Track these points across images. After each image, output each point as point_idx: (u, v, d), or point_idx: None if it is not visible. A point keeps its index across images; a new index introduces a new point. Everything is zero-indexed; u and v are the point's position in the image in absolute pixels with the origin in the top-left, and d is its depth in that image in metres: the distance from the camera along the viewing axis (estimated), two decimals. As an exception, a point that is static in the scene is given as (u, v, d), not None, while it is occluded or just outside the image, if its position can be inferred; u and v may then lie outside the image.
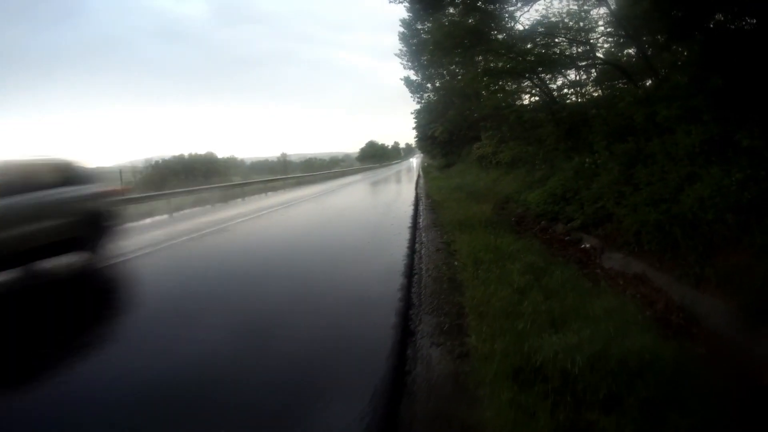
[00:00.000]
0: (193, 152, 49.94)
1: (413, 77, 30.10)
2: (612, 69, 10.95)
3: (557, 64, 11.51)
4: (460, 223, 8.05)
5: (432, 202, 12.49)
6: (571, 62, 11.58)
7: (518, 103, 15.95)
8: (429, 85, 29.68)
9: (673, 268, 4.39)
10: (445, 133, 32.17)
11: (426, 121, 34.99)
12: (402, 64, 29.60)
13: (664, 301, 3.99)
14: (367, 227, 9.84)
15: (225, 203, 17.01)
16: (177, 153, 50.56)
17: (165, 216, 13.32)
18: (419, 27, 28.04)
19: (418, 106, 35.98)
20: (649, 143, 6.72)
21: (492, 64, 12.60)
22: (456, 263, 5.65)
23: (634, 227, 5.41)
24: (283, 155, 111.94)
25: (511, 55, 11.91)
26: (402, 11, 28.37)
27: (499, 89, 12.91)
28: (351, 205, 15.20)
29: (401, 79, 30.31)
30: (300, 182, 32.71)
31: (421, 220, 10.09)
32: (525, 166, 13.35)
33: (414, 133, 46.10)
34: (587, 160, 8.96)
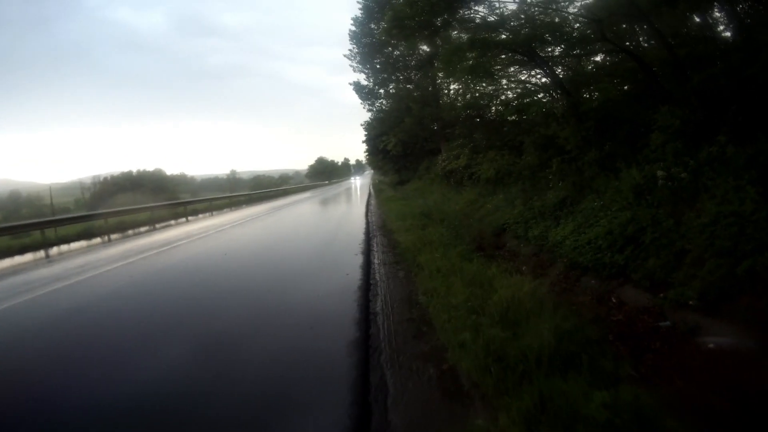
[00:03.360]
0: (142, 169, 53.24)
1: (364, 82, 26.32)
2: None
3: (566, 37, 7.89)
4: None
5: (396, 253, 6.73)
6: (582, 41, 7.99)
7: (497, 101, 12.33)
8: (381, 90, 25.98)
9: None
10: (399, 146, 28.53)
11: (377, 133, 31.18)
12: (352, 66, 25.81)
13: None
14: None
15: (165, 224, 16.66)
16: (126, 169, 50.46)
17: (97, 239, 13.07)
18: (372, 26, 24.56)
19: (368, 118, 32.19)
20: None
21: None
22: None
23: None
24: (233, 172, 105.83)
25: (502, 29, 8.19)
26: (354, 8, 24.90)
27: (483, 74, 8.99)
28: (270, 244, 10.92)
29: (350, 84, 26.39)
30: (234, 203, 28.18)
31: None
32: (518, 184, 9.58)
33: (364, 147, 42.19)
34: (661, 172, 5.25)
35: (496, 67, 9.23)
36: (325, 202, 24.94)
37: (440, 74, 23.33)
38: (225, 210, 23.75)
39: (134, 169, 51.38)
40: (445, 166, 14.19)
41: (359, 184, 63.07)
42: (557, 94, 8.55)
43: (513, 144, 11.48)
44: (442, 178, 15.77)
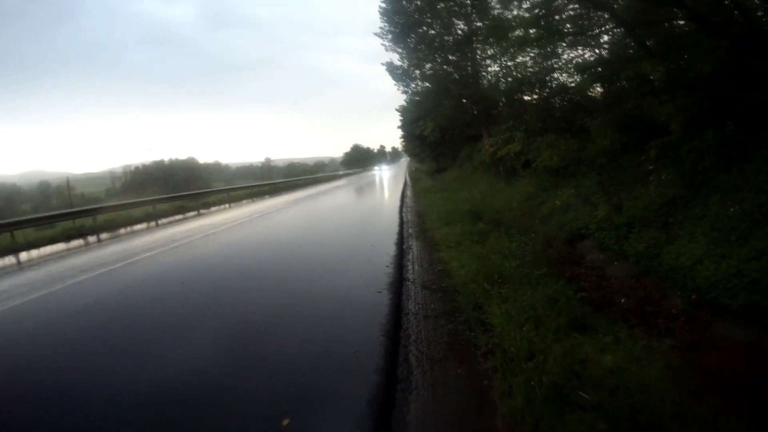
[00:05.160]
0: (174, 158, 54.01)
1: (397, 62, 24.31)
2: None
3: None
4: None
5: (444, 291, 4.57)
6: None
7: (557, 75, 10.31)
8: (417, 71, 23.89)
9: None
10: (437, 132, 26.53)
11: (414, 117, 29.23)
12: (384, 45, 23.80)
13: None
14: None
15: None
16: (158, 159, 51.94)
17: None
18: (404, 2, 22.52)
19: (404, 100, 30.21)
20: None
21: None
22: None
23: None
24: (267, 160, 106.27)
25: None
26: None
27: (548, 33, 7.00)
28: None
29: (383, 64, 24.43)
30: (255, 194, 27.43)
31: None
32: (591, 175, 7.62)
33: (399, 133, 40.25)
34: None
35: (565, 26, 7.22)
36: (354, 193, 23.43)
37: (480, 53, 21.27)
38: (237, 203, 22.61)
39: (166, 158, 52.65)
40: (494, 152, 12.24)
41: (392, 173, 61.00)
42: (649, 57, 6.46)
43: (577, 125, 9.45)
44: (488, 166, 13.80)
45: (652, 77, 5.85)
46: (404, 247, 7.22)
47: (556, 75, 10.39)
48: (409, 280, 5.12)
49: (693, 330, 3.78)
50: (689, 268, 4.35)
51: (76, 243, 11.98)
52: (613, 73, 5.98)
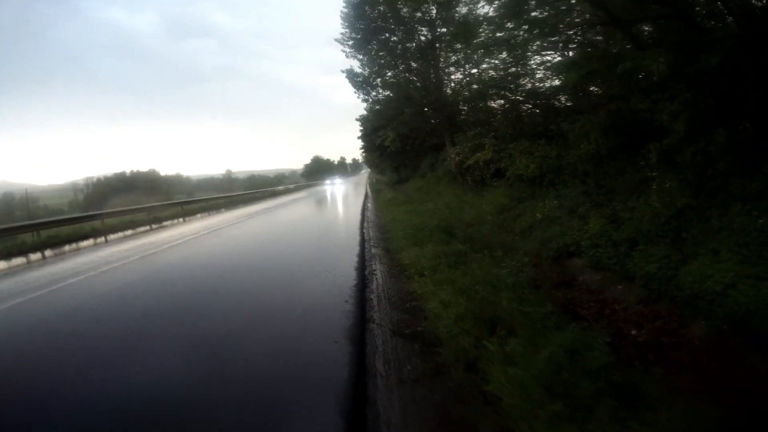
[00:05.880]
0: (135, 169, 54.19)
1: (358, 69, 23.38)
2: None
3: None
4: None
5: (424, 344, 3.29)
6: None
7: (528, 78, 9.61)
8: (378, 80, 23.03)
9: None
10: (397, 141, 25.73)
11: (374, 127, 28.32)
12: (344, 51, 22.87)
13: None
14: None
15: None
16: (119, 170, 51.22)
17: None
18: (367, 9, 21.70)
19: (364, 109, 29.30)
20: None
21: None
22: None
23: None
24: (228, 172, 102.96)
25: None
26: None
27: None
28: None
29: (343, 71, 23.41)
30: (211, 207, 25.63)
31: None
32: (574, 184, 6.80)
33: (360, 143, 39.18)
34: None
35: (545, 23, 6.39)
36: (313, 206, 22.03)
37: (443, 60, 20.73)
38: (191, 217, 20.87)
39: (128, 170, 52.08)
40: (461, 161, 11.34)
41: (353, 182, 59.66)
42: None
43: (551, 130, 8.72)
44: (454, 176, 12.91)
45: (653, 71, 5.05)
46: (366, 272, 5.91)
47: (527, 79, 9.66)
48: (374, 322, 3.84)
49: (723, 364, 2.96)
50: (719, 293, 3.47)
51: (6, 264, 10.48)
52: (606, 68, 5.18)
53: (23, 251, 12.27)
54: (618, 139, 6.29)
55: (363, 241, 8.46)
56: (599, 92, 6.58)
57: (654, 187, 5.09)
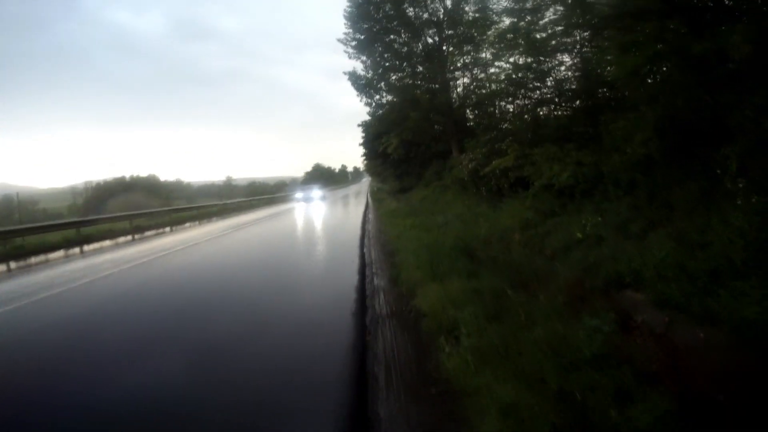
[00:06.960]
0: (135, 174, 55.02)
1: (361, 71, 22.35)
2: None
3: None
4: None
5: None
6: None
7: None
8: (382, 83, 22.02)
9: None
10: (401, 148, 24.68)
11: (377, 132, 27.30)
12: (347, 52, 21.90)
13: None
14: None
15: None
16: (119, 175, 52.13)
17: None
18: (371, 10, 20.79)
19: (367, 113, 28.27)
20: None
21: None
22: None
23: None
24: (229, 179, 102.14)
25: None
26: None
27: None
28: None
29: (345, 74, 22.33)
30: (204, 215, 24.70)
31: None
32: (617, 196, 5.68)
33: (362, 151, 38.13)
34: None
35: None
36: (309, 217, 20.91)
37: (450, 64, 19.81)
38: (179, 226, 19.80)
39: (127, 175, 52.73)
40: (475, 168, 10.21)
41: (354, 191, 58.32)
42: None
43: (580, 132, 7.66)
44: (465, 185, 11.78)
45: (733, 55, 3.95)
46: (367, 336, 4.03)
47: (551, 76, 8.59)
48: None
49: None
50: None
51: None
52: (675, 51, 4.08)
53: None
54: (671, 141, 5.18)
55: (363, 267, 7.04)
56: (653, 83, 5.46)
57: (738, 202, 3.95)
